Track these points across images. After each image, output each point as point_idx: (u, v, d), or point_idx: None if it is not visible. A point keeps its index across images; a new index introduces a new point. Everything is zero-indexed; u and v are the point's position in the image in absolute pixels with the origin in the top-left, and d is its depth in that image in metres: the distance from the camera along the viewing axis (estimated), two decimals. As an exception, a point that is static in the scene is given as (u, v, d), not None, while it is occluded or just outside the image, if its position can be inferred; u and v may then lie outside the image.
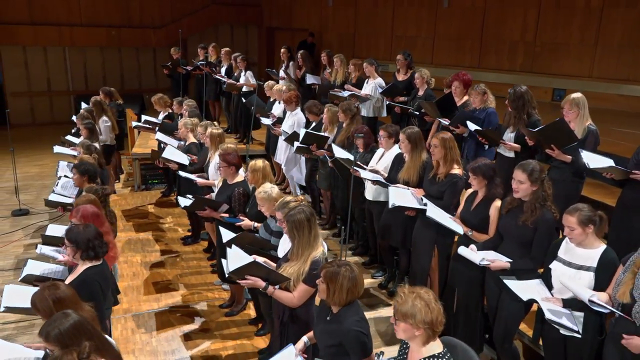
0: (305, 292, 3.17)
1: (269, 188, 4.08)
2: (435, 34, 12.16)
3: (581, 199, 4.79)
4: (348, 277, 2.76)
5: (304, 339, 3.13)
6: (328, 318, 2.92)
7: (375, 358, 4.05)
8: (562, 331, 3.16)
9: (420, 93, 6.71)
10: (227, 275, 3.33)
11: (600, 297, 2.95)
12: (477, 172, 3.78)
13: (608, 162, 4.01)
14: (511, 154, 5.06)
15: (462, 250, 3.65)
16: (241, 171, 4.90)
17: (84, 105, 8.61)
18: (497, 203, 3.76)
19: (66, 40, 13.70)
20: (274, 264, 3.47)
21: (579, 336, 3.10)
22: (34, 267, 3.74)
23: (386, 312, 4.89)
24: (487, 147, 5.30)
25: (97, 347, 2.43)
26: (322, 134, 6.13)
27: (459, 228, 3.90)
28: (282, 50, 9.62)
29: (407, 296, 2.41)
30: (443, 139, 4.25)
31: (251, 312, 5.07)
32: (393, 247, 5.10)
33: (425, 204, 4.11)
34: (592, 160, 4.04)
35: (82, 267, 3.33)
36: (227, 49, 10.13)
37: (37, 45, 13.61)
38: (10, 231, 7.44)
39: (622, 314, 2.80)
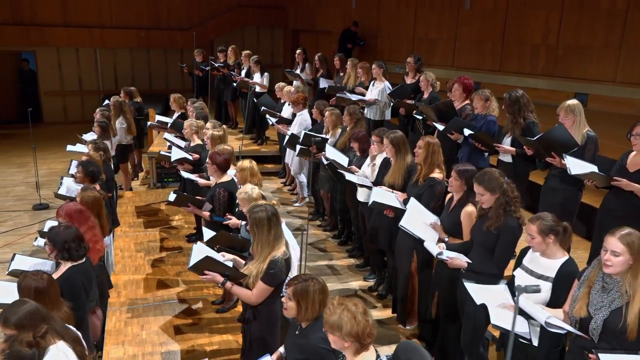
0: (263, 291, 3.23)
1: (250, 189, 4.17)
2: (457, 36, 12.04)
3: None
4: (318, 289, 2.78)
5: (281, 349, 3.16)
6: (297, 332, 2.95)
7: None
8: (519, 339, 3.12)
9: (425, 96, 6.69)
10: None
11: (557, 315, 2.91)
12: (462, 175, 3.78)
13: (591, 168, 3.94)
14: (509, 159, 5.01)
15: (426, 244, 3.67)
16: (231, 171, 5.02)
17: (106, 102, 8.96)
18: (469, 208, 3.74)
19: (97, 42, 14.21)
20: (242, 261, 3.57)
21: (534, 344, 3.07)
22: (21, 262, 3.94)
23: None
24: (486, 154, 5.25)
25: (55, 330, 2.58)
26: (321, 135, 6.20)
27: (429, 239, 3.88)
28: (298, 51, 9.74)
29: (336, 308, 2.45)
30: (428, 142, 4.27)
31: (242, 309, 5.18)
32: (381, 249, 5.12)
33: (404, 208, 4.13)
34: (575, 166, 3.98)
35: (65, 265, 3.49)
36: (248, 51, 10.30)
37: (69, 46, 14.17)
38: (29, 224, 7.80)
39: (579, 333, 2.76)
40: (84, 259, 3.53)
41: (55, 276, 3.45)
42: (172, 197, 5.19)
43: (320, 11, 15.05)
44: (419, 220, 3.97)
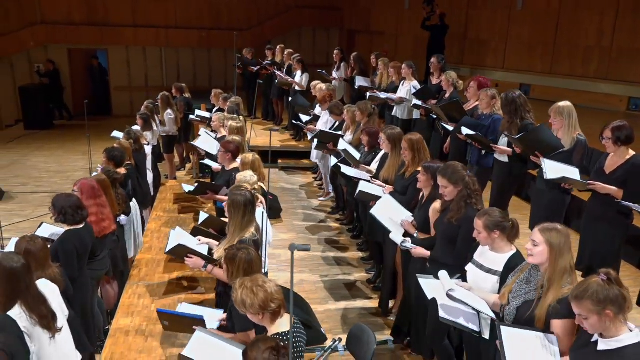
0: (233, 269, 3.52)
1: (249, 175, 4.47)
2: (508, 37, 11.78)
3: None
4: (244, 259, 3.04)
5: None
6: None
7: (331, 343, 4.35)
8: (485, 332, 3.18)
9: (447, 96, 6.73)
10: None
11: (488, 299, 2.99)
12: (428, 170, 3.89)
13: (567, 172, 3.90)
14: (505, 159, 5.02)
15: (392, 235, 3.80)
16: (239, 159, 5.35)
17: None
18: (437, 204, 3.82)
19: (162, 41, 15.20)
20: (216, 243, 3.89)
21: (485, 337, 3.15)
22: (45, 230, 4.48)
23: (360, 304, 5.10)
24: (484, 152, 5.28)
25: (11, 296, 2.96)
26: (336, 132, 6.42)
27: (396, 231, 4.00)
28: (335, 52, 9.97)
29: (237, 289, 2.68)
30: (410, 140, 4.37)
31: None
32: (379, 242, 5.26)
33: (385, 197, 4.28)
34: (551, 170, 3.95)
35: (65, 228, 3.99)
36: (290, 50, 10.69)
37: (137, 45, 15.27)
38: (79, 205, 8.58)
39: (486, 313, 2.84)
40: (82, 225, 4.00)
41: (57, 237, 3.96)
42: (187, 187, 5.62)
43: (375, 12, 15.19)
44: (390, 214, 4.10)
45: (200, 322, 3.36)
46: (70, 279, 3.74)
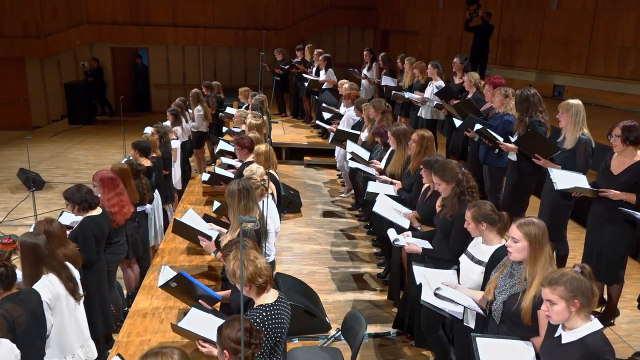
0: (236, 258, 3.72)
1: (255, 168, 4.67)
2: (542, 37, 11.58)
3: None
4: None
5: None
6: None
7: (334, 332, 4.51)
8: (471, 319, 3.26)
9: (469, 96, 6.74)
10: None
11: (474, 296, 3.06)
12: (426, 165, 3.99)
13: (577, 181, 3.88)
14: (513, 157, 5.02)
15: (389, 231, 3.91)
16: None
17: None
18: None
19: (200, 40, 15.67)
20: (225, 230, 4.10)
21: (471, 326, 3.22)
22: (66, 218, 4.80)
23: (368, 296, 5.20)
24: (497, 150, 5.29)
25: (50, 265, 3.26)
26: (353, 131, 6.54)
27: (404, 223, 4.10)
28: (365, 52, 10.06)
29: (230, 261, 2.89)
30: (422, 136, 4.46)
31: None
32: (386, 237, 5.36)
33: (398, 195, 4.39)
34: (561, 180, 3.94)
35: (83, 215, 4.28)
36: (319, 50, 10.86)
37: (177, 44, 15.79)
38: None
39: (475, 309, 2.90)
40: (99, 212, 4.28)
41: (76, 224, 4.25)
42: (205, 177, 5.87)
43: (409, 12, 15.19)
44: (392, 208, 4.21)
45: (209, 297, 3.56)
46: (88, 263, 4.02)
